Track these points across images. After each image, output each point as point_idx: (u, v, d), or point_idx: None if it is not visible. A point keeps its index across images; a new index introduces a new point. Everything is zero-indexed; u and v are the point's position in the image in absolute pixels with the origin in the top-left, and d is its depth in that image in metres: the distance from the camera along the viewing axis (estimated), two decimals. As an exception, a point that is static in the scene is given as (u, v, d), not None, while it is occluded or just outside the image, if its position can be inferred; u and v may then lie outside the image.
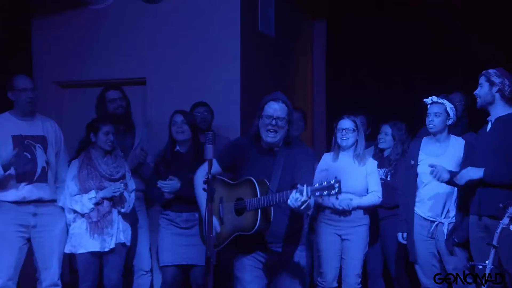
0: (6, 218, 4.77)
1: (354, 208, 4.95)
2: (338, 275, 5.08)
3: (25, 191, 4.78)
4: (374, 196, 5.03)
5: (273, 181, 3.91)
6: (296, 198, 3.61)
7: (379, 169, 5.25)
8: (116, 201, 4.90)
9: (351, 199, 4.93)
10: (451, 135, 4.87)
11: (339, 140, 5.07)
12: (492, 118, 4.44)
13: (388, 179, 5.32)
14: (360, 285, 5.09)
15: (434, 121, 4.78)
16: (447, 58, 6.79)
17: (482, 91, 4.41)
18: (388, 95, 6.93)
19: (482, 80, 4.43)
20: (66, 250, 4.93)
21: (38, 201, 4.84)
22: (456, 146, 4.79)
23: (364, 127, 5.99)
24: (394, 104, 6.68)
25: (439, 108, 4.78)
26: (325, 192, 3.57)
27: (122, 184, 4.87)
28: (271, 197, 3.78)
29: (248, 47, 6.28)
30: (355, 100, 6.82)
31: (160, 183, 4.86)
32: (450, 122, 4.81)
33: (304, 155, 4.04)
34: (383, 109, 6.53)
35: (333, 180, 3.56)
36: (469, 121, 5.45)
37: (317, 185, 3.62)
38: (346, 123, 5.05)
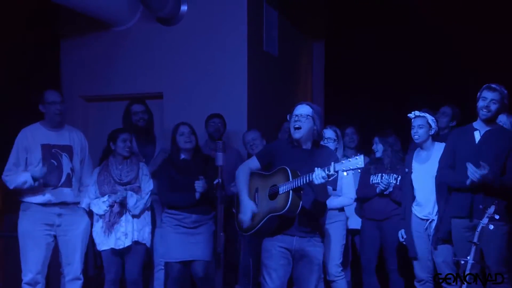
0: (34, 218, 4.77)
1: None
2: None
3: (50, 194, 4.77)
4: (347, 198, 5.14)
5: (304, 171, 3.93)
6: (318, 173, 3.73)
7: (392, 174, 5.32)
8: (124, 205, 4.88)
9: None
10: (435, 142, 4.89)
11: None
12: (481, 130, 4.40)
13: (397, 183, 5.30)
14: (342, 274, 5.13)
15: (418, 132, 4.83)
16: (437, 73, 6.79)
17: (495, 108, 4.34)
18: (381, 108, 6.90)
19: (497, 96, 4.34)
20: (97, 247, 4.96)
21: (63, 203, 4.83)
22: (439, 151, 4.79)
23: (355, 135, 6.04)
24: (387, 116, 6.69)
25: (422, 120, 4.83)
26: (351, 167, 3.65)
27: (125, 192, 4.86)
28: (301, 178, 3.86)
29: (254, 65, 6.31)
30: (351, 112, 6.87)
31: (197, 183, 4.80)
32: (432, 132, 4.84)
33: (331, 154, 4.17)
34: (376, 120, 6.56)
35: (358, 156, 3.65)
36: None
37: (343, 161, 3.70)
38: (328, 133, 5.14)
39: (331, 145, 5.11)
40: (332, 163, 3.72)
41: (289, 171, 3.95)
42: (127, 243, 4.87)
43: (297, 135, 4.10)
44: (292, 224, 4.05)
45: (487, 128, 4.40)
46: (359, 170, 3.93)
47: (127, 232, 4.88)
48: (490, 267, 4.29)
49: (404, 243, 4.94)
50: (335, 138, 5.16)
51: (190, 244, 4.90)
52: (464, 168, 4.27)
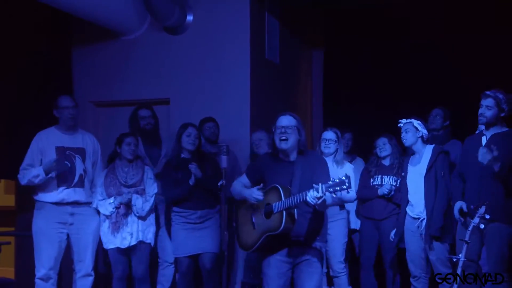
0: (48, 217, 4.82)
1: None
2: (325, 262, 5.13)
3: (63, 194, 4.83)
4: (353, 192, 5.10)
5: (294, 186, 3.87)
6: (312, 195, 3.63)
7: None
8: (129, 206, 4.95)
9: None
10: (426, 145, 4.94)
11: (322, 148, 5.19)
12: (487, 134, 4.45)
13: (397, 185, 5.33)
14: (345, 270, 5.16)
15: (405, 136, 4.91)
16: (429, 80, 6.78)
17: (491, 113, 4.37)
18: (378, 114, 6.89)
19: (491, 102, 4.36)
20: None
21: (75, 203, 4.89)
22: (428, 153, 4.88)
23: (350, 142, 6.08)
24: (384, 121, 6.72)
25: (408, 125, 4.90)
26: (337, 188, 3.58)
27: (130, 194, 4.92)
28: (292, 198, 3.77)
29: (256, 72, 6.33)
30: (349, 117, 6.90)
31: (191, 166, 4.91)
32: (420, 134, 4.90)
33: (319, 162, 4.06)
34: (373, 126, 6.58)
35: (344, 177, 3.58)
36: (452, 129, 5.58)
37: (330, 182, 3.61)
38: (329, 134, 5.19)
39: (332, 147, 5.15)
40: (320, 184, 3.62)
41: (280, 189, 3.86)
42: (133, 242, 4.95)
43: (284, 145, 3.96)
44: (289, 237, 3.93)
45: (494, 132, 4.42)
46: (347, 191, 3.83)
47: (133, 232, 4.95)
48: (490, 266, 4.29)
49: (394, 239, 4.97)
50: (336, 139, 5.17)
51: (197, 238, 4.98)
52: (471, 174, 4.37)
